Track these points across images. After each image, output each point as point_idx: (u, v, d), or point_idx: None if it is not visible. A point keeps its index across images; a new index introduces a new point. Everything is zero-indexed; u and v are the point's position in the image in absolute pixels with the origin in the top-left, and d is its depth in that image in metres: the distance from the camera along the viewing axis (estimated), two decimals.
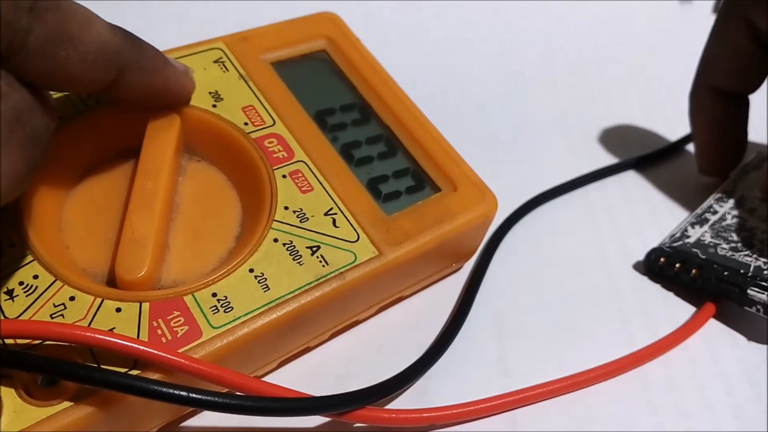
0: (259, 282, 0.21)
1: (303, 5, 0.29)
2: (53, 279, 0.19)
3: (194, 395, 0.17)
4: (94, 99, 0.23)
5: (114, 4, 0.35)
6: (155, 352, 0.17)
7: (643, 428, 0.24)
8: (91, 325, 0.19)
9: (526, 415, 0.24)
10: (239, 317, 0.20)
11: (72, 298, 0.19)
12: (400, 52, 0.35)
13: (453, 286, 0.27)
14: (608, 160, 0.33)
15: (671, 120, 0.36)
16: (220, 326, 0.19)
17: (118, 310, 0.19)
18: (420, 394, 0.23)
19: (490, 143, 0.33)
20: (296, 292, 0.21)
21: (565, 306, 0.27)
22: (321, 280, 0.21)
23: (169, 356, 0.18)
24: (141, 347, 0.18)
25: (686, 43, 0.40)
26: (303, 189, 0.23)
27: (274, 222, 0.22)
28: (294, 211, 0.22)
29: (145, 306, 0.19)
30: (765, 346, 0.27)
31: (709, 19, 0.41)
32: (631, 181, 0.32)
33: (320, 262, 0.22)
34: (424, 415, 0.22)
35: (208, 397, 0.18)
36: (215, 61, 0.25)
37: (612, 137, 0.34)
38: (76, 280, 0.20)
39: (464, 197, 0.25)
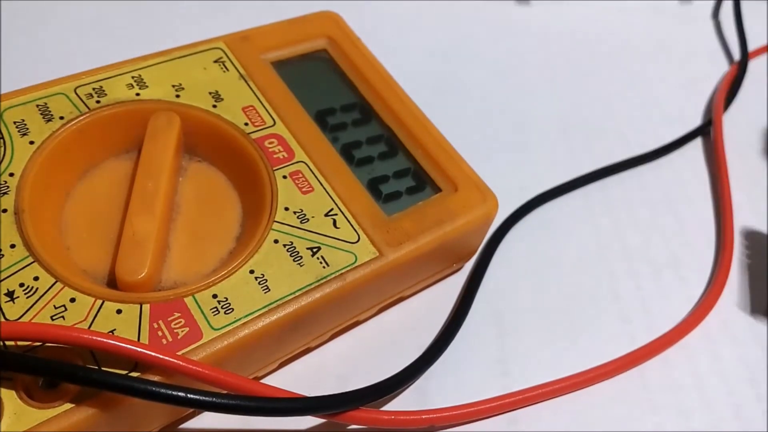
0: (259, 283, 0.21)
1: (304, 5, 0.29)
2: (54, 280, 0.19)
3: (191, 396, 0.17)
4: (94, 99, 0.23)
5: (115, 4, 0.35)
6: (153, 354, 0.17)
7: (643, 428, 0.24)
8: (92, 327, 0.19)
9: (526, 416, 0.24)
10: (240, 318, 0.20)
11: (72, 300, 0.19)
12: (401, 51, 0.35)
13: (454, 285, 0.27)
14: (608, 160, 0.33)
15: (671, 119, 0.36)
16: (221, 327, 0.19)
17: (119, 311, 0.19)
18: (420, 394, 0.24)
19: (490, 143, 0.33)
20: (297, 294, 0.21)
21: (565, 306, 0.27)
22: (321, 281, 0.21)
23: (166, 358, 0.18)
24: (139, 349, 0.18)
25: (686, 43, 0.40)
26: (303, 190, 0.23)
27: (275, 223, 0.22)
28: (294, 212, 0.22)
29: (146, 307, 0.19)
30: (765, 346, 0.27)
31: (709, 19, 0.42)
32: (632, 180, 0.32)
33: (321, 263, 0.21)
34: (423, 416, 0.22)
35: (205, 398, 0.18)
36: (215, 61, 0.25)
37: (612, 137, 0.34)
38: (76, 281, 0.20)
39: (465, 198, 0.24)
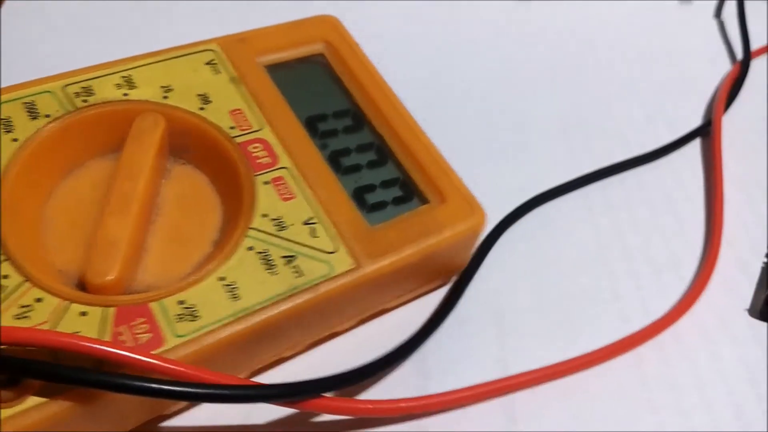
0: (228, 291, 0.20)
1: (307, 6, 0.29)
2: (23, 279, 0.19)
3: (138, 384, 0.17)
4: (81, 98, 0.23)
5: (116, 4, 0.35)
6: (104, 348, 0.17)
7: (643, 428, 0.23)
8: (55, 329, 0.19)
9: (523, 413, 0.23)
10: (205, 327, 0.19)
11: (39, 300, 0.19)
12: (401, 51, 0.35)
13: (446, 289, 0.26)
14: (608, 160, 0.32)
15: (671, 119, 0.35)
16: (185, 335, 0.19)
17: (84, 313, 0.19)
18: (419, 392, 0.23)
19: (490, 143, 0.32)
20: (266, 303, 0.20)
21: (565, 305, 0.27)
22: (293, 292, 0.21)
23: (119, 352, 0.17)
24: (98, 346, 0.17)
25: (686, 43, 0.39)
26: (284, 196, 0.23)
27: (250, 230, 0.22)
28: (272, 219, 0.22)
29: (111, 311, 0.19)
30: (765, 346, 0.26)
31: (709, 20, 0.40)
32: (632, 181, 0.32)
33: (294, 272, 0.21)
34: (401, 405, 0.21)
35: (155, 385, 0.17)
36: (207, 63, 0.25)
37: (612, 137, 0.33)
38: (45, 281, 0.19)
39: (452, 210, 0.24)
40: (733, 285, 0.28)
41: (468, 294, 0.26)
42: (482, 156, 0.30)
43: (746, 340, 0.26)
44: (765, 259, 0.29)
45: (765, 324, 0.27)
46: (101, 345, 0.17)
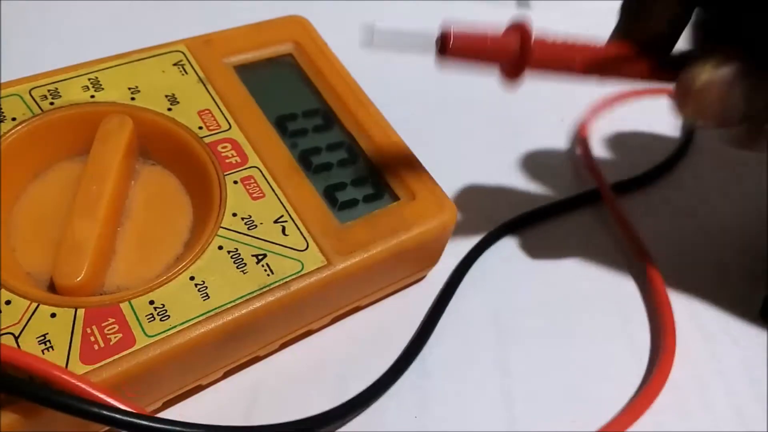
0: (198, 290, 0.20)
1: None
2: None
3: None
4: (48, 101, 0.23)
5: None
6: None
7: (643, 428, 0.24)
8: (25, 330, 0.19)
9: None
10: (175, 326, 0.19)
11: (8, 302, 0.19)
12: (398, 58, 0.35)
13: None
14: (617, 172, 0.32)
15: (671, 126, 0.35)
16: (155, 335, 0.19)
17: (53, 315, 0.19)
18: (420, 393, 0.23)
19: (493, 147, 0.32)
20: (237, 302, 0.20)
21: (565, 306, 0.27)
22: (264, 290, 0.21)
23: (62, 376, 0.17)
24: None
25: None
26: (254, 195, 0.23)
27: (221, 229, 0.22)
28: (242, 218, 0.22)
29: (81, 312, 0.19)
30: (765, 347, 0.26)
31: None
32: (639, 197, 0.32)
33: (265, 270, 0.21)
34: None
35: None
36: (175, 64, 0.25)
37: (624, 151, 0.34)
38: (13, 283, 0.19)
39: (422, 207, 0.24)
40: (733, 286, 0.28)
41: (469, 295, 0.27)
42: (484, 158, 0.30)
43: (746, 340, 0.27)
44: (765, 260, 0.29)
45: (765, 324, 0.27)
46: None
